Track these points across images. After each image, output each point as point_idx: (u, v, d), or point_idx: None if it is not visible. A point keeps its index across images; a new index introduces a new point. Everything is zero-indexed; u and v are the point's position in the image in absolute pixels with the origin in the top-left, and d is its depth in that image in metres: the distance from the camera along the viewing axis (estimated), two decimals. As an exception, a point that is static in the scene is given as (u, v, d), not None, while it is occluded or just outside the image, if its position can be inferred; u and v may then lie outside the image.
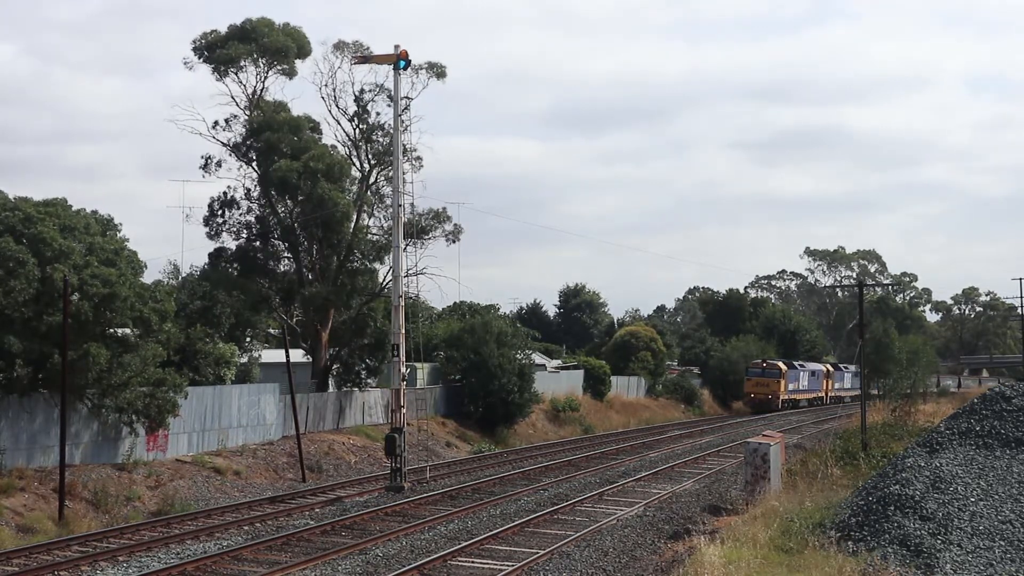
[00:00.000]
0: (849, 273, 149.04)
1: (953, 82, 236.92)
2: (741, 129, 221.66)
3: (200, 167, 45.41)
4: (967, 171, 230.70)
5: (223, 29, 45.63)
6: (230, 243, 45.98)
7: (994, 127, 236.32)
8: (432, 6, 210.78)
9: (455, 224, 46.31)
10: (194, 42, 44.95)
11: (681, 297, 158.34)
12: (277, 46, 44.77)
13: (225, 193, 45.52)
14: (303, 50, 46.06)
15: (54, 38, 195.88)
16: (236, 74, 45.55)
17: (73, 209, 31.44)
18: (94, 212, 33.36)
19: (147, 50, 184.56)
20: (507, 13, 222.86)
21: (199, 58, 44.91)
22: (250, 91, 46.03)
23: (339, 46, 46.04)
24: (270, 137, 43.56)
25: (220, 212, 45.60)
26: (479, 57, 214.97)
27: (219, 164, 45.15)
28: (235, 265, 45.15)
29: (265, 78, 46.16)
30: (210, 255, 45.56)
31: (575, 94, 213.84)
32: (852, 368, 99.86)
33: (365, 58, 40.23)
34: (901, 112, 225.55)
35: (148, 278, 34.40)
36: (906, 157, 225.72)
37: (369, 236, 46.75)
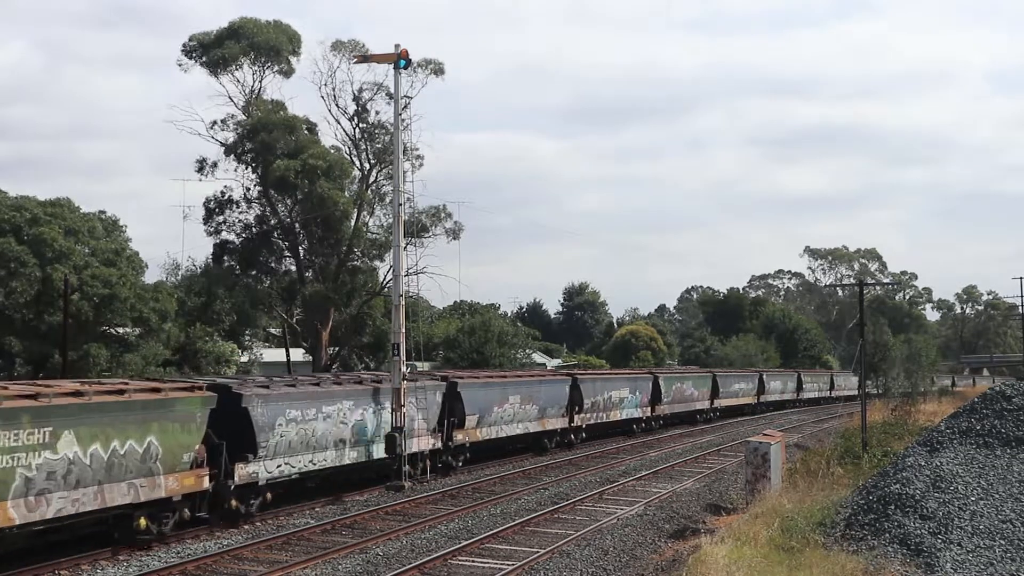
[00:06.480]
0: (849, 272, 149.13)
1: (976, 79, 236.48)
2: (757, 126, 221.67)
3: (195, 170, 45.48)
4: (980, 169, 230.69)
5: (213, 30, 45.68)
6: (230, 241, 46.03)
7: (1015, 124, 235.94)
8: (446, 2, 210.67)
9: (455, 222, 46.48)
10: (184, 45, 44.96)
11: (682, 296, 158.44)
12: (269, 43, 44.76)
13: (222, 193, 45.59)
14: (294, 44, 46.01)
15: (66, 32, 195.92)
16: (233, 73, 45.59)
17: (79, 209, 31.51)
18: (101, 212, 33.46)
19: (158, 48, 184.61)
20: (524, 8, 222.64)
21: (191, 60, 44.93)
22: (247, 91, 46.10)
23: (336, 46, 46.09)
24: (267, 137, 43.58)
25: (217, 211, 45.65)
26: (493, 53, 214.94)
27: (214, 166, 45.20)
28: (235, 264, 45.20)
29: (262, 78, 46.26)
30: (212, 254, 45.61)
31: (591, 90, 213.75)
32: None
33: (366, 57, 40.21)
34: (920, 109, 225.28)
35: (150, 276, 34.48)
36: (922, 155, 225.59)
37: (369, 234, 46.83)
